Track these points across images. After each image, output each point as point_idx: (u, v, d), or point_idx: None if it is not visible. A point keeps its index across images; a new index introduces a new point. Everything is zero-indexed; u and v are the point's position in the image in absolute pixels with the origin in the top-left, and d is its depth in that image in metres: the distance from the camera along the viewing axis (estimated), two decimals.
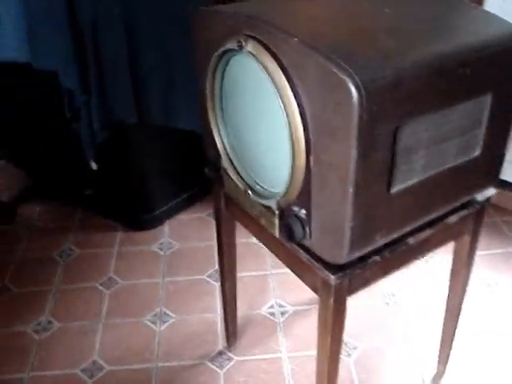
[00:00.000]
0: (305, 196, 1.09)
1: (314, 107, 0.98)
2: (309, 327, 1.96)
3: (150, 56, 2.05)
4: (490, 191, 1.32)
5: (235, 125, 1.24)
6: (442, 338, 1.70)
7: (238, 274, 1.73)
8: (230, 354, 1.86)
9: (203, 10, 1.23)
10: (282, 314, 2.02)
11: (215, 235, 1.69)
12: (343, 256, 1.08)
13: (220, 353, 1.87)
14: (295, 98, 1.00)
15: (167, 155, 2.40)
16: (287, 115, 1.01)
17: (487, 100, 1.12)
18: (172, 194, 2.51)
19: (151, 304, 2.06)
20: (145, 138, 2.30)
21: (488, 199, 1.33)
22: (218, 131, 1.27)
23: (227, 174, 1.30)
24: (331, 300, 1.17)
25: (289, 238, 1.14)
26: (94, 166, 2.32)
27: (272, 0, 1.26)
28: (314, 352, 1.83)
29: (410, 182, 1.08)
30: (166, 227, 2.47)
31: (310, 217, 1.10)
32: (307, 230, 1.12)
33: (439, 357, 1.75)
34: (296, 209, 1.13)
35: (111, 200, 2.48)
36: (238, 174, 1.27)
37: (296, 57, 0.98)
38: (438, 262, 2.24)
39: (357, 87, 0.89)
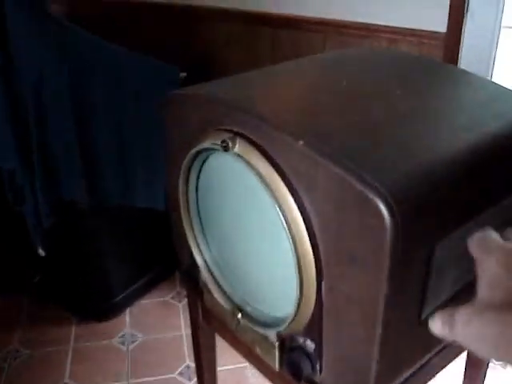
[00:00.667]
0: (313, 328, 0.87)
1: (328, 227, 0.77)
2: None
3: (102, 131, 1.82)
4: None
5: (218, 235, 1.02)
6: None
7: None
8: None
9: (175, 95, 1.02)
10: None
11: (183, 323, 1.43)
12: None
13: None
14: (301, 214, 0.79)
15: (124, 236, 2.16)
16: (291, 236, 0.80)
17: None
18: (131, 277, 2.26)
19: None
20: (98, 218, 2.06)
21: None
22: (195, 241, 1.04)
23: (207, 288, 1.07)
24: None
25: (294, 377, 0.92)
26: (41, 252, 2.06)
27: (252, 80, 1.06)
28: None
29: (439, 302, 0.88)
30: (127, 316, 2.21)
31: (321, 351, 0.88)
32: (317, 366, 0.90)
33: None
34: (301, 340, 0.91)
35: (64, 288, 2.20)
36: (223, 291, 1.04)
37: (301, 164, 0.78)
38: None
39: (389, 207, 0.69)
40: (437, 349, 0.97)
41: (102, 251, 2.11)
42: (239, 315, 1.00)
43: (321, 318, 0.85)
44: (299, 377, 0.91)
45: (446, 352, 1.03)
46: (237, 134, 0.86)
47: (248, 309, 1.01)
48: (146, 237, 2.23)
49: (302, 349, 0.91)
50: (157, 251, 2.30)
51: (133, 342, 2.07)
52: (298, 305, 0.85)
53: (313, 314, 0.85)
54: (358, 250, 0.74)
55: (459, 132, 0.87)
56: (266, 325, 0.96)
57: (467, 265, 0.90)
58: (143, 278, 2.28)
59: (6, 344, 2.08)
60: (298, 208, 0.79)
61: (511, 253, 0.49)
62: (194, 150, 0.93)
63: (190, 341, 1.89)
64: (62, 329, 2.13)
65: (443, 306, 0.86)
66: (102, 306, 2.18)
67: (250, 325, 0.98)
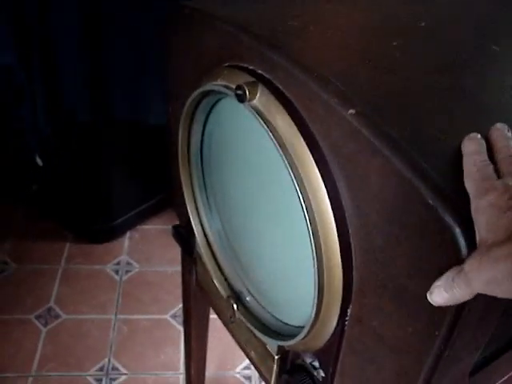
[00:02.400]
0: (328, 353, 0.65)
1: (370, 240, 0.53)
2: None
3: (116, 34, 1.55)
4: None
5: (223, 201, 0.79)
6: None
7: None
8: None
9: (181, 9, 0.75)
10: (260, 379, 1.60)
11: None
12: None
13: None
14: (333, 210, 0.55)
15: (132, 155, 1.92)
16: (313, 233, 0.56)
17: None
18: (136, 199, 2.04)
19: (99, 351, 1.63)
20: (105, 130, 1.81)
21: None
22: (194, 203, 0.81)
23: (202, 262, 0.85)
24: None
25: None
26: (39, 161, 1.86)
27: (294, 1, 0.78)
28: None
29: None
30: (126, 241, 2.01)
31: (332, 381, 0.67)
32: None
33: None
34: (309, 361, 0.69)
35: (61, 202, 2.01)
36: (221, 271, 0.82)
37: (347, 142, 0.53)
38: None
39: (468, 240, 0.44)
40: None
41: (105, 168, 1.88)
42: (235, 306, 0.78)
43: (339, 349, 0.62)
44: None
45: None
46: (260, 78, 0.60)
47: (248, 299, 0.79)
48: (156, 159, 1.99)
49: (308, 373, 0.69)
50: (163, 175, 2.07)
51: (127, 271, 1.89)
52: (313, 322, 0.62)
53: (330, 341, 0.63)
54: (410, 284, 0.50)
55: None
56: (268, 330, 0.74)
57: None
58: (148, 201, 2.06)
59: None
60: (330, 197, 0.55)
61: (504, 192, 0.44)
62: (200, 90, 0.68)
63: None
64: (55, 246, 1.95)
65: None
66: (100, 227, 1.98)
67: (248, 323, 0.77)
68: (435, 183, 0.46)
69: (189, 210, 0.80)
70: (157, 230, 2.08)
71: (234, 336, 0.85)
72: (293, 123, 0.57)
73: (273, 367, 0.74)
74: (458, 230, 0.44)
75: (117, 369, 1.59)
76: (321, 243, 0.55)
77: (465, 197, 0.46)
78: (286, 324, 0.72)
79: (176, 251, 1.92)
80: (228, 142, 0.73)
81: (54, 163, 1.88)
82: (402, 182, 0.48)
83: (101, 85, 1.64)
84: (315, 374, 0.68)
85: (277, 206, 0.67)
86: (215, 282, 0.82)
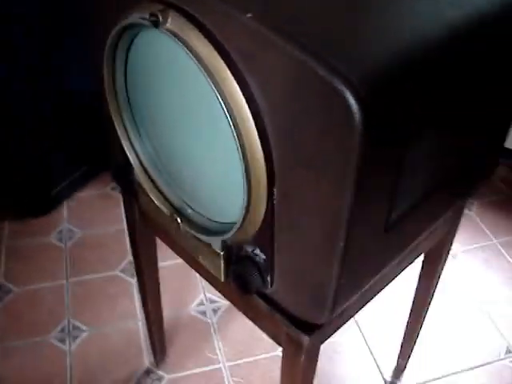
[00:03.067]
0: (264, 235, 0.76)
1: (281, 120, 0.63)
2: (246, 326, 1.66)
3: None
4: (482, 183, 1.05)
5: (152, 127, 0.87)
6: (406, 330, 1.47)
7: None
8: (159, 372, 1.55)
9: None
10: (215, 311, 1.72)
11: (124, 215, 1.31)
12: (323, 318, 0.77)
13: (148, 372, 1.55)
14: (248, 103, 0.65)
15: (60, 120, 1.95)
16: (236, 128, 0.65)
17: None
18: (69, 168, 2.08)
19: (57, 315, 1.69)
20: (31, 99, 1.83)
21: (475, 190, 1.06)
22: (126, 135, 0.89)
23: (143, 190, 0.93)
24: (302, 359, 0.87)
25: (243, 291, 0.82)
26: None
27: None
28: (257, 357, 1.58)
29: (405, 207, 0.77)
30: (65, 210, 2.06)
31: (273, 263, 0.78)
32: (267, 278, 0.80)
33: (401, 351, 1.53)
34: (250, 250, 0.80)
35: None
36: (160, 191, 0.91)
37: (249, 43, 0.62)
38: None
39: (359, 100, 0.55)
40: (401, 255, 0.88)
41: (34, 136, 1.89)
42: (179, 220, 0.88)
43: (272, 227, 0.73)
44: (247, 290, 0.80)
45: (407, 256, 0.95)
46: (169, 5, 0.68)
47: (189, 212, 0.89)
48: (84, 123, 2.03)
49: (251, 259, 0.79)
50: (95, 139, 2.11)
51: (70, 238, 1.94)
52: (246, 211, 0.73)
53: (263, 222, 0.73)
54: (318, 151, 0.61)
55: (441, 7, 0.72)
56: (210, 232, 0.84)
57: (438, 164, 0.79)
58: (80, 169, 2.10)
59: None
60: (246, 98, 0.64)
61: None
62: (118, 27, 0.75)
63: None
64: None
65: (411, 210, 0.76)
66: (35, 200, 2.01)
67: (192, 231, 0.86)
68: (327, 60, 0.56)
69: (122, 142, 0.88)
70: (93, 195, 2.13)
71: (182, 249, 0.94)
72: (203, 37, 0.66)
73: (221, 264, 0.84)
74: (348, 94, 0.55)
75: (77, 327, 1.66)
76: (242, 134, 0.65)
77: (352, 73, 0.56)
78: (224, 223, 0.82)
79: (113, 212, 2.00)
80: (149, 72, 0.81)
81: None
82: (298, 65, 0.57)
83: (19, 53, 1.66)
84: (257, 258, 0.79)
85: (199, 117, 0.76)
86: (157, 203, 0.90)
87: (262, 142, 0.66)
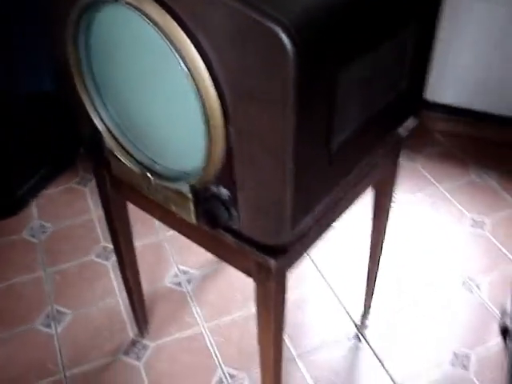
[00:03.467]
0: (226, 174, 0.88)
1: (229, 67, 0.75)
2: (221, 290, 1.80)
3: None
4: (412, 122, 1.19)
5: (117, 96, 0.98)
6: (368, 278, 1.61)
7: None
8: (144, 341, 1.66)
9: None
10: (189, 281, 1.83)
11: (92, 205, 1.39)
12: (285, 237, 0.90)
13: (133, 342, 1.66)
14: (201, 57, 0.77)
15: (17, 126, 2.03)
16: (193, 79, 0.77)
17: (413, 27, 0.95)
18: (31, 168, 2.16)
19: (39, 304, 1.78)
20: None
21: (411, 131, 1.20)
22: (93, 106, 1.00)
23: (114, 155, 1.04)
24: (272, 283, 1.00)
25: (212, 225, 0.94)
26: None
27: None
28: (234, 315, 1.70)
29: (345, 135, 0.91)
30: (33, 208, 2.14)
31: (236, 197, 0.90)
32: (233, 212, 0.92)
33: (366, 294, 1.68)
34: (215, 189, 0.92)
35: None
36: (130, 154, 1.02)
37: (196, 5, 0.74)
38: None
39: (290, 37, 0.67)
40: (346, 180, 1.01)
41: None
42: (149, 175, 0.99)
43: (232, 164, 0.85)
44: (216, 224, 0.92)
45: (354, 188, 1.09)
46: None
47: (157, 168, 1.00)
48: (41, 124, 2.11)
49: (217, 197, 0.92)
50: (55, 139, 2.20)
51: (43, 232, 2.02)
52: (208, 152, 0.85)
53: (223, 161, 0.86)
54: (261, 86, 0.73)
55: None
56: (178, 179, 0.95)
57: (369, 97, 0.93)
58: (44, 167, 2.18)
59: None
60: (198, 51, 0.76)
61: None
62: (78, 5, 0.86)
63: (102, 223, 1.89)
64: None
65: (349, 139, 0.90)
66: (4, 202, 2.09)
67: (162, 182, 0.98)
68: (261, 8, 0.68)
69: (90, 112, 0.99)
70: (58, 192, 2.21)
71: (154, 201, 1.05)
72: (157, 5, 0.77)
73: (190, 207, 0.96)
74: (282, 32, 0.67)
75: (61, 312, 1.75)
76: (198, 83, 0.77)
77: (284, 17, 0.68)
78: (190, 170, 0.94)
79: (80, 204, 2.10)
80: (109, 44, 0.92)
81: None
82: (239, 15, 0.70)
83: None
84: (222, 195, 0.91)
85: (157, 78, 0.87)
86: (129, 164, 1.02)
87: (215, 86, 0.78)
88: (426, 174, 2.22)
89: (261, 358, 1.21)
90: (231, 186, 0.89)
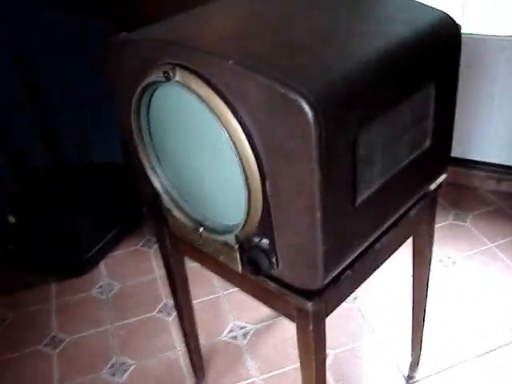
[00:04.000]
0: (265, 226, 1.00)
1: (264, 132, 0.89)
2: (274, 344, 1.89)
3: (54, 95, 1.89)
4: (442, 178, 1.29)
5: (173, 163, 1.14)
6: (413, 324, 1.67)
7: None
8: None
9: (113, 42, 1.11)
10: (244, 335, 1.93)
11: (155, 265, 1.51)
12: (318, 281, 1.00)
13: None
14: (240, 125, 0.91)
15: (88, 193, 2.24)
16: (234, 144, 0.92)
17: (431, 89, 1.07)
18: (101, 232, 2.35)
19: (105, 355, 1.91)
20: (63, 181, 2.14)
21: (440, 185, 1.30)
22: (153, 170, 1.16)
23: (171, 214, 1.19)
24: (310, 326, 1.10)
25: (255, 273, 1.05)
26: (11, 219, 2.14)
27: (181, 20, 1.15)
28: (286, 369, 1.78)
29: (371, 190, 1.02)
30: (103, 268, 2.32)
31: (275, 246, 1.02)
32: (273, 260, 1.03)
33: (412, 345, 1.73)
34: (257, 239, 1.04)
35: (38, 252, 2.29)
36: (184, 212, 1.16)
37: (233, 80, 0.89)
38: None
39: (310, 105, 0.81)
40: (377, 234, 1.12)
41: (69, 211, 2.20)
42: (201, 229, 1.13)
43: (270, 216, 0.98)
44: (259, 271, 1.04)
45: (388, 239, 1.18)
46: (176, 64, 0.96)
47: (208, 223, 1.14)
48: (110, 191, 2.32)
49: (259, 247, 1.04)
50: (122, 204, 2.41)
51: (110, 290, 2.19)
52: (249, 206, 0.98)
53: (262, 213, 0.98)
54: (290, 147, 0.87)
55: (371, 40, 1.00)
56: (225, 232, 1.08)
57: (393, 155, 1.04)
58: (112, 231, 2.38)
59: None
60: (237, 119, 0.91)
61: None
62: (140, 87, 1.03)
63: (165, 282, 2.04)
64: (43, 289, 2.23)
65: (375, 194, 1.01)
66: (76, 263, 2.28)
67: (212, 235, 1.11)
68: (286, 83, 0.83)
69: (150, 175, 1.15)
70: (125, 253, 2.39)
71: (205, 253, 1.18)
72: (202, 82, 0.93)
73: (236, 256, 1.08)
74: (302, 101, 0.81)
75: (125, 362, 1.88)
76: (239, 150, 0.91)
77: (304, 88, 0.82)
78: (235, 224, 1.06)
79: (145, 265, 2.27)
80: (165, 118, 1.08)
81: (26, 219, 2.17)
82: (267, 89, 0.84)
83: (50, 141, 1.96)
84: (263, 245, 1.03)
85: (205, 146, 1.02)
86: (182, 220, 1.16)
87: (253, 151, 0.92)
88: (477, 232, 2.26)
89: None
90: (270, 236, 1.01)
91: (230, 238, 1.07)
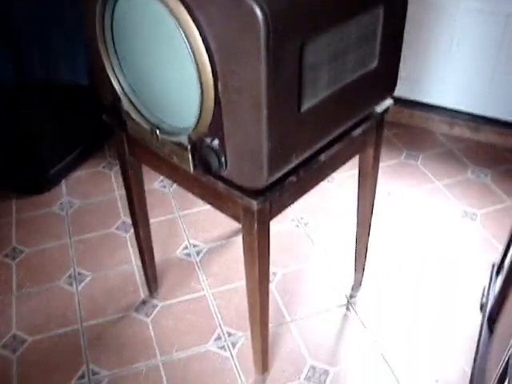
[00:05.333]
0: (216, 126, 1.07)
1: (219, 35, 0.95)
2: (226, 262, 1.99)
3: (24, 6, 1.90)
4: (388, 102, 1.37)
5: (133, 66, 1.19)
6: (357, 247, 1.78)
7: None
8: (153, 301, 1.85)
9: None
10: (198, 253, 2.03)
11: (115, 186, 1.57)
12: (263, 180, 1.08)
13: (144, 302, 1.85)
14: (196, 27, 0.97)
15: (53, 113, 2.27)
16: (190, 46, 0.98)
17: (380, 12, 1.14)
18: (63, 151, 2.40)
19: (63, 266, 1.99)
20: (27, 97, 2.15)
21: (387, 110, 1.38)
22: (115, 74, 1.21)
23: (130, 117, 1.25)
24: (255, 225, 1.18)
25: (205, 171, 1.13)
26: None
27: None
28: (236, 284, 1.89)
29: (317, 99, 1.09)
30: (63, 187, 2.37)
31: (224, 146, 1.09)
32: (223, 159, 1.11)
33: (355, 266, 1.84)
34: (208, 140, 1.11)
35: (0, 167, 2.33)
36: (142, 115, 1.23)
37: None
38: (340, 180, 2.33)
39: (260, 7, 0.87)
40: (321, 145, 1.20)
41: (33, 128, 2.22)
42: (157, 131, 1.19)
43: (220, 116, 1.05)
44: (209, 170, 1.12)
45: (332, 153, 1.27)
46: None
47: (163, 126, 1.20)
48: (74, 113, 2.35)
49: (210, 147, 1.11)
50: (85, 126, 2.44)
51: (71, 207, 2.25)
52: (201, 106, 1.04)
53: (214, 114, 1.05)
54: (241, 48, 0.93)
55: None
56: (179, 133, 1.15)
57: (340, 69, 1.11)
58: (74, 151, 2.42)
59: None
60: (194, 22, 0.96)
61: None
62: None
63: (124, 201, 2.11)
64: (3, 204, 2.28)
65: (320, 104, 1.09)
66: (38, 180, 2.32)
67: (167, 137, 1.18)
68: None
69: (111, 78, 1.20)
70: (86, 174, 2.44)
71: (161, 155, 1.25)
72: None
73: (189, 157, 1.15)
74: (255, 5, 0.87)
75: (82, 273, 1.96)
76: (194, 50, 0.97)
77: None
78: (187, 127, 1.13)
79: (106, 185, 2.33)
80: (128, 24, 1.13)
81: None
82: None
83: (18, 51, 1.97)
84: (214, 146, 1.10)
85: (163, 49, 1.07)
86: (140, 122, 1.22)
87: (207, 51, 0.98)
88: (425, 171, 2.38)
89: (249, 305, 1.39)
90: (220, 136, 1.08)
91: (184, 139, 1.14)
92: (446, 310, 1.79)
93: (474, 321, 1.74)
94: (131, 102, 1.23)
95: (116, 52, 1.20)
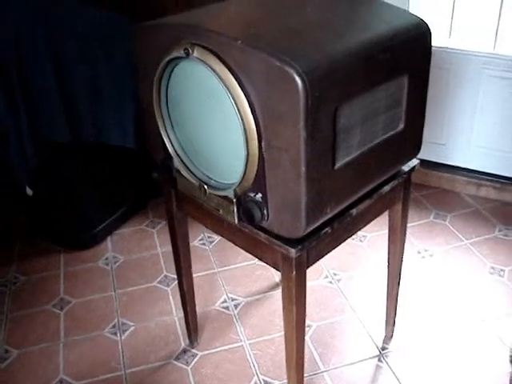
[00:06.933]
0: (259, 181, 1.20)
1: (262, 100, 1.10)
2: (262, 315, 2.08)
3: (76, 77, 2.11)
4: (414, 161, 1.50)
5: (184, 129, 1.34)
6: (387, 303, 1.86)
7: None
8: (193, 350, 1.95)
9: (144, 25, 1.32)
10: (236, 306, 2.13)
11: (158, 243, 1.69)
12: (301, 230, 1.20)
13: (184, 351, 1.95)
14: (244, 94, 1.12)
15: (101, 174, 2.45)
16: (238, 110, 1.12)
17: (405, 80, 1.29)
18: (109, 210, 2.56)
19: (108, 317, 2.11)
20: (77, 159, 2.35)
21: (413, 168, 1.50)
22: (168, 136, 1.36)
23: (180, 174, 1.39)
24: (293, 272, 1.29)
25: (249, 222, 1.26)
26: (29, 191, 2.34)
27: (204, 10, 1.37)
28: (272, 336, 1.98)
29: (349, 157, 1.23)
30: (109, 243, 2.52)
31: (266, 199, 1.22)
32: (265, 211, 1.24)
33: (386, 321, 1.92)
34: (252, 194, 1.24)
35: (49, 224, 2.49)
36: (192, 172, 1.37)
37: (241, 57, 1.10)
38: (370, 239, 2.43)
39: (300, 76, 1.02)
40: (352, 199, 1.32)
41: (82, 188, 2.40)
42: (205, 187, 1.33)
43: (263, 172, 1.18)
44: (252, 221, 1.25)
45: (363, 208, 1.38)
46: (194, 43, 1.17)
47: (211, 182, 1.35)
48: (121, 175, 2.53)
49: (253, 200, 1.24)
50: (130, 186, 2.62)
51: (115, 262, 2.39)
52: (246, 164, 1.18)
53: (257, 171, 1.19)
54: (283, 111, 1.07)
55: (354, 32, 1.21)
56: (226, 188, 1.29)
57: (370, 131, 1.25)
58: (119, 210, 2.58)
59: (4, 274, 2.37)
60: (241, 89, 1.12)
61: None
62: (164, 60, 1.24)
63: (166, 257, 2.27)
64: (52, 258, 2.43)
65: (352, 162, 1.22)
66: (85, 237, 2.48)
67: (214, 192, 1.32)
68: (281, 58, 1.04)
69: (164, 139, 1.36)
70: (130, 231, 2.59)
71: (207, 208, 1.38)
72: (216, 58, 1.14)
73: (234, 209, 1.29)
74: (294, 72, 1.02)
75: (125, 323, 2.07)
76: (242, 114, 1.12)
77: (296, 62, 1.03)
78: (234, 182, 1.27)
79: (148, 242, 2.47)
80: (182, 90, 1.29)
81: (40, 191, 2.37)
82: (266, 62, 1.05)
83: (72, 117, 2.17)
84: (257, 198, 1.23)
85: (214, 111, 1.23)
86: (189, 178, 1.36)
87: (252, 113, 1.13)
88: (455, 230, 2.47)
89: (286, 351, 1.48)
90: (263, 190, 1.21)
91: (230, 193, 1.27)
92: (476, 363, 1.84)
93: (504, 373, 1.78)
94: (182, 161, 1.38)
95: (169, 116, 1.36)
